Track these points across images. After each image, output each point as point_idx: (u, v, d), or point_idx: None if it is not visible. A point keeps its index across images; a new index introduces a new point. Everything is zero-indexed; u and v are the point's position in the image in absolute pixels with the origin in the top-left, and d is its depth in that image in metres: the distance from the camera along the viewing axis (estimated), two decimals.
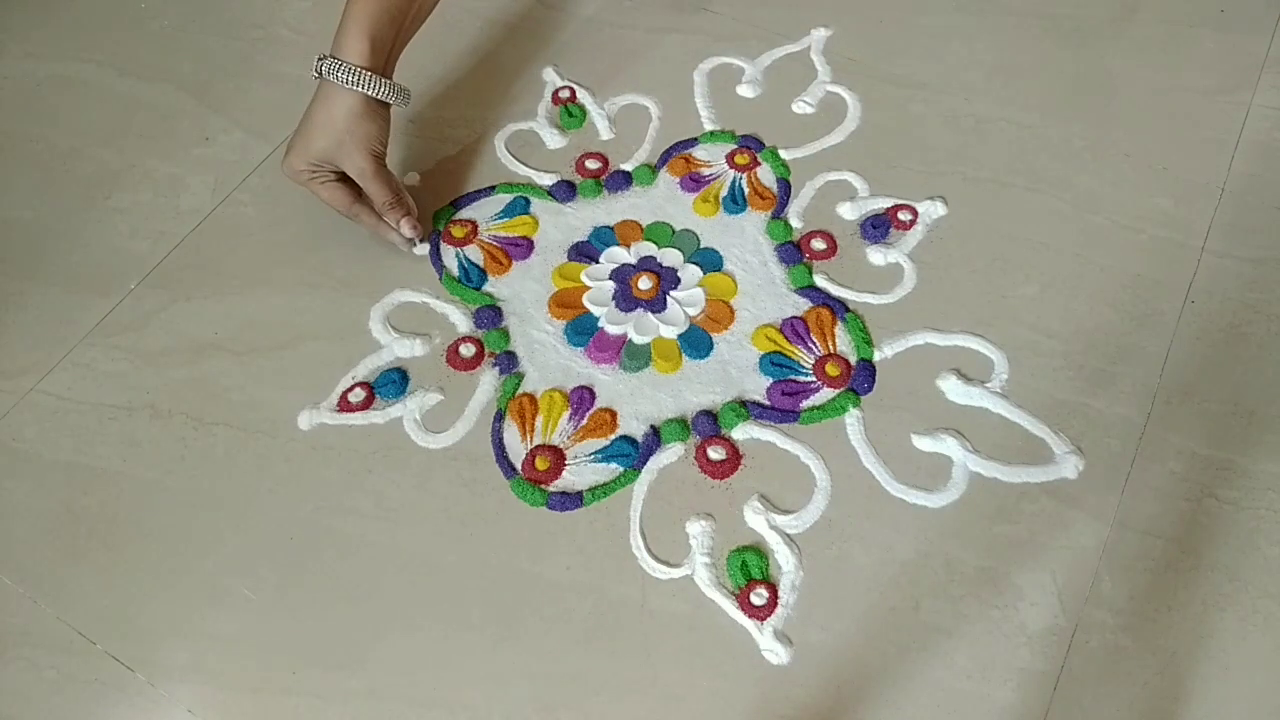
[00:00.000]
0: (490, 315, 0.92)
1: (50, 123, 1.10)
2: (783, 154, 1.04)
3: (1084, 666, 0.74)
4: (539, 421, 0.86)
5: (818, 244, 0.96)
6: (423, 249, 0.98)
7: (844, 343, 0.90)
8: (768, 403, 0.86)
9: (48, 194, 1.04)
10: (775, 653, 0.75)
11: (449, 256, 0.97)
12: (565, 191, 1.01)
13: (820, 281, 0.94)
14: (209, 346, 0.92)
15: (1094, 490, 0.81)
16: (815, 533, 0.80)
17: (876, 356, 0.89)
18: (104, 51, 1.17)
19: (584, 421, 0.86)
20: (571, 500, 0.82)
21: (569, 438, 0.85)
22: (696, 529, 0.80)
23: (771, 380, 0.88)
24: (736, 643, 0.76)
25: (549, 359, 0.90)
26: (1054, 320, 0.91)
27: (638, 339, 0.91)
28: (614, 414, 0.87)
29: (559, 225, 0.99)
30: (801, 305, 0.93)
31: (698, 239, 0.98)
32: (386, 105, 0.88)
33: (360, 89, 0.84)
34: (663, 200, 1.01)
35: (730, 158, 1.04)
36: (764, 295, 0.93)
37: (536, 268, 0.97)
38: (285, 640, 0.76)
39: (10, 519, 0.83)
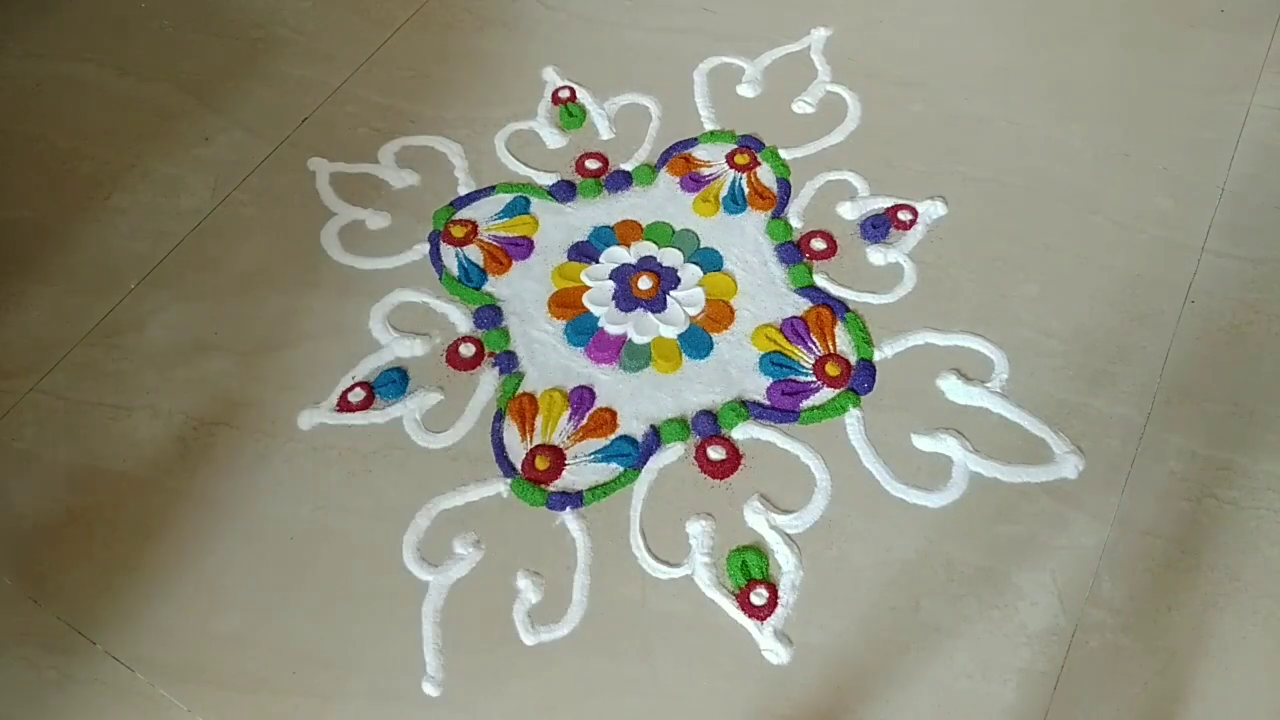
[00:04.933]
0: (490, 315, 0.92)
1: (50, 123, 1.10)
2: (783, 154, 1.04)
3: (1084, 666, 0.74)
4: (539, 421, 0.86)
5: (818, 244, 0.96)
6: (422, 248, 0.98)
7: (844, 342, 0.90)
8: (768, 403, 0.86)
9: (48, 194, 1.04)
10: (775, 653, 0.75)
11: (449, 256, 0.97)
12: (565, 191, 1.01)
13: (820, 281, 0.94)
14: (209, 346, 0.92)
15: (1094, 490, 0.81)
16: (815, 533, 0.80)
17: (876, 356, 0.89)
18: (104, 51, 1.17)
19: (584, 421, 0.86)
20: (571, 500, 0.82)
21: (569, 437, 0.85)
22: (696, 529, 0.80)
23: (771, 380, 0.88)
24: (736, 643, 0.76)
25: (549, 359, 0.90)
26: (1054, 320, 0.91)
27: (638, 339, 0.91)
28: (614, 414, 0.87)
29: (559, 225, 0.99)
30: (801, 305, 0.93)
31: (698, 239, 0.98)
32: None
33: None
34: (663, 200, 1.01)
35: (730, 158, 1.03)
36: (764, 295, 0.93)
37: (536, 267, 0.97)
38: (285, 640, 0.77)
39: (10, 519, 0.83)
